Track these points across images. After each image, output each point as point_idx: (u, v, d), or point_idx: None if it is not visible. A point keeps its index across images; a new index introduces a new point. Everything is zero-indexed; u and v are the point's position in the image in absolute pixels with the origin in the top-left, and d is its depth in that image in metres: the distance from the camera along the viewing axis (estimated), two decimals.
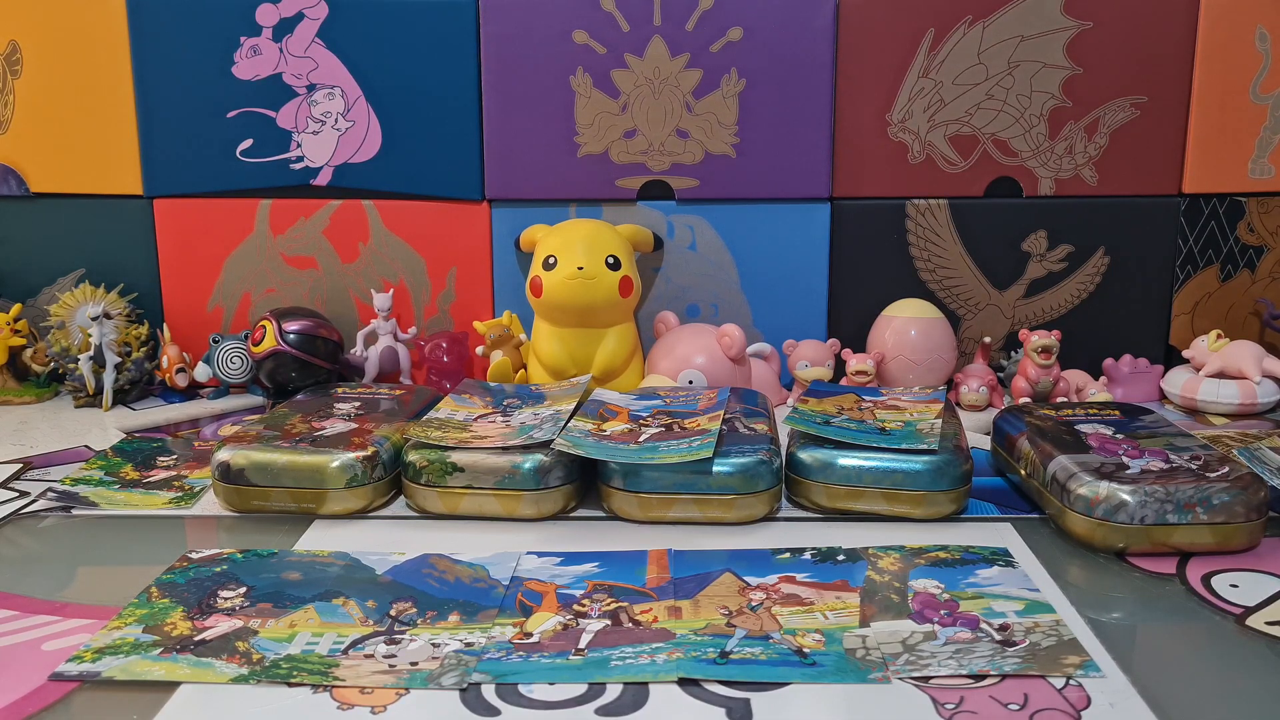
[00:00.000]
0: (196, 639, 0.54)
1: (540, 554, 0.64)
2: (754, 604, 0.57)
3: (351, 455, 0.70)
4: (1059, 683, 0.50)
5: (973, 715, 0.47)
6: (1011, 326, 1.00)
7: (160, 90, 0.96)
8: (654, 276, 0.99)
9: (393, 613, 0.57)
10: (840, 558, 0.63)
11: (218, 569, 0.62)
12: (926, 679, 0.50)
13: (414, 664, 0.52)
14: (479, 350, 0.93)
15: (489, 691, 0.49)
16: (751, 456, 0.68)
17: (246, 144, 0.97)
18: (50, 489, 0.75)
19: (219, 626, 0.55)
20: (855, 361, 0.91)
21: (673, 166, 0.96)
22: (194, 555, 0.64)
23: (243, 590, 0.59)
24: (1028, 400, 0.91)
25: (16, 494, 0.74)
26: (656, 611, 0.56)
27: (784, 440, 0.75)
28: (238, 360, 0.95)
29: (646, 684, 0.50)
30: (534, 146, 0.96)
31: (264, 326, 0.90)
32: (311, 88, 0.96)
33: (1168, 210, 0.97)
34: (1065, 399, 0.91)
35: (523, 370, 0.94)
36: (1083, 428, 0.74)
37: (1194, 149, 0.96)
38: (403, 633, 0.54)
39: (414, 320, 1.00)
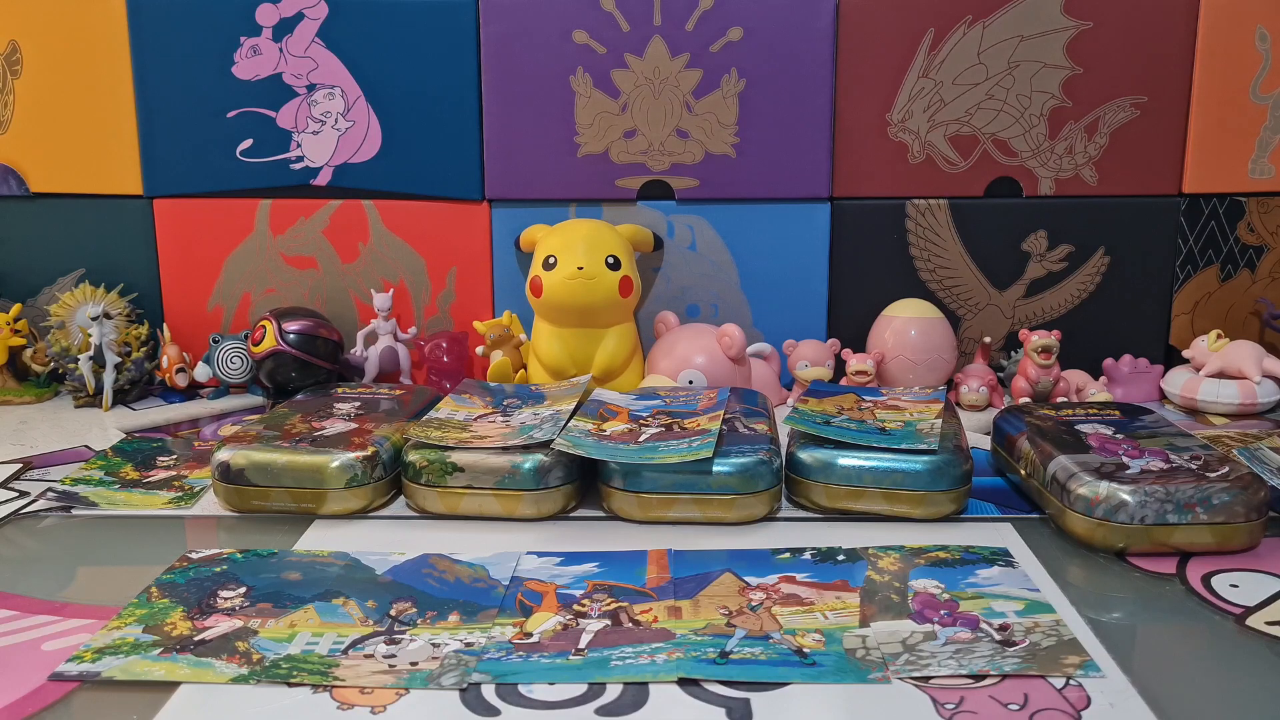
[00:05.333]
0: (196, 639, 0.54)
1: (540, 554, 0.64)
2: (754, 604, 0.57)
3: (351, 455, 0.70)
4: (1059, 683, 0.50)
5: (973, 715, 0.47)
6: (1011, 326, 1.00)
7: (160, 90, 0.96)
8: (654, 276, 0.99)
9: (393, 613, 0.57)
10: (840, 558, 0.63)
11: (218, 569, 0.62)
12: (926, 679, 0.50)
13: (414, 664, 0.52)
14: (479, 350, 0.93)
15: (489, 691, 0.49)
16: (751, 456, 0.68)
17: (246, 144, 0.97)
18: (50, 489, 0.75)
19: (219, 626, 0.55)
20: (855, 361, 0.91)
21: (673, 166, 0.96)
22: (194, 555, 0.64)
23: (243, 590, 0.59)
24: (1028, 400, 0.91)
25: (16, 494, 0.74)
26: (656, 611, 0.56)
27: (784, 440, 0.75)
28: (238, 360, 0.95)
29: (646, 684, 0.50)
30: (534, 146, 0.96)
31: (264, 326, 0.90)
32: (311, 88, 0.96)
33: (1168, 210, 0.97)
34: (1065, 399, 0.91)
35: (523, 370, 0.94)
36: (1083, 428, 0.74)
37: (1194, 149, 0.96)
38: (403, 633, 0.54)
39: (414, 320, 1.00)
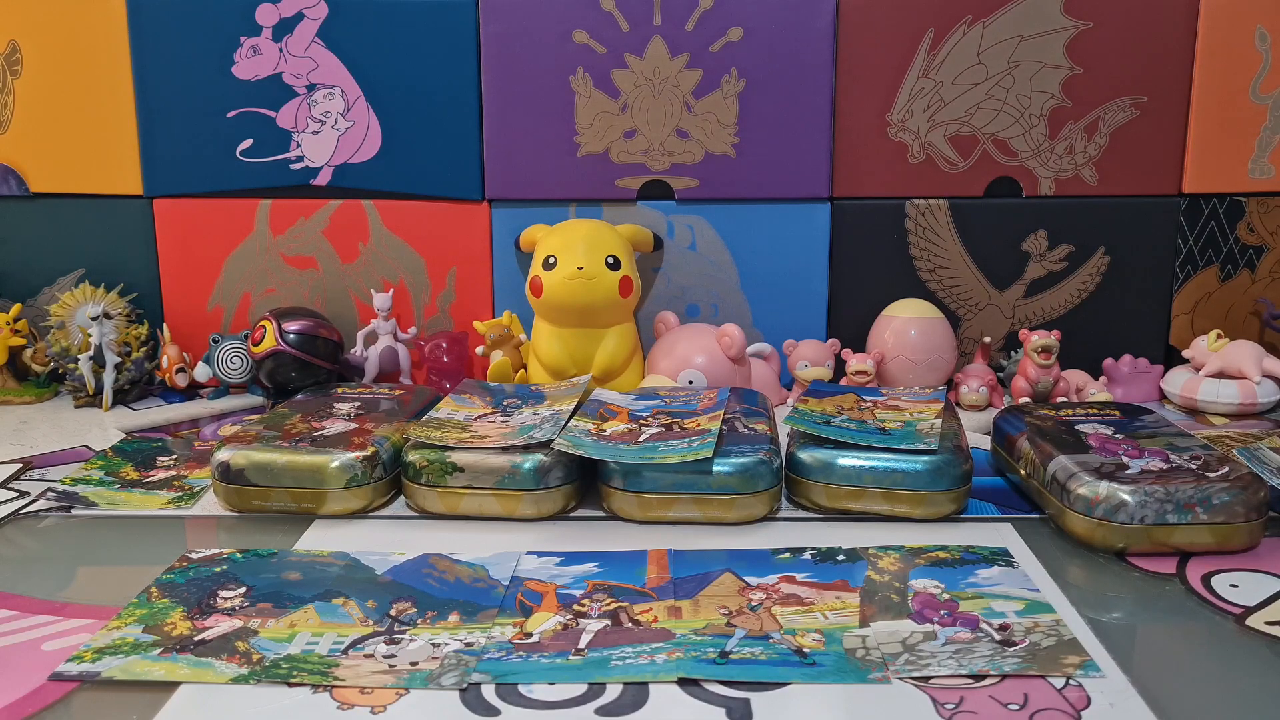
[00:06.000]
0: (196, 639, 0.54)
1: (540, 554, 0.64)
2: (754, 604, 0.57)
3: (351, 455, 0.70)
4: (1059, 683, 0.50)
5: (973, 715, 0.47)
6: (1011, 326, 1.00)
7: (160, 90, 0.96)
8: (654, 276, 0.99)
9: (393, 613, 0.57)
10: (840, 558, 0.63)
11: (218, 569, 0.62)
12: (926, 679, 0.50)
13: (414, 664, 0.52)
14: (479, 350, 0.93)
15: (489, 691, 0.49)
16: (751, 456, 0.68)
17: (246, 144, 0.97)
18: (50, 489, 0.75)
19: (219, 626, 0.55)
20: (855, 361, 0.91)
21: (673, 166, 0.96)
22: (194, 555, 0.64)
23: (243, 590, 0.59)
24: (1028, 400, 0.91)
25: (16, 494, 0.74)
26: (656, 611, 0.56)
27: (784, 440, 0.75)
28: (238, 360, 0.95)
29: (646, 684, 0.50)
30: (534, 146, 0.96)
31: (264, 326, 0.90)
32: (311, 88, 0.96)
33: (1168, 210, 0.97)
34: (1065, 399, 0.91)
35: (523, 370, 0.94)
36: (1083, 428, 0.74)
37: (1194, 149, 0.96)
38: (403, 633, 0.54)
39: (414, 320, 1.00)
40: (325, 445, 0.71)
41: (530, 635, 0.54)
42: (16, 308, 0.98)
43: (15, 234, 1.00)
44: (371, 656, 0.52)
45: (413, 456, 0.70)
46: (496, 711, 0.48)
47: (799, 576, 0.61)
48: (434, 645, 0.53)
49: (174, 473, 0.79)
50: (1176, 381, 0.94)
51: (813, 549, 0.64)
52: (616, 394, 0.82)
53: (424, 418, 0.75)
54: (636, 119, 0.96)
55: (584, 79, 0.95)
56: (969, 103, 0.95)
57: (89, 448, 0.84)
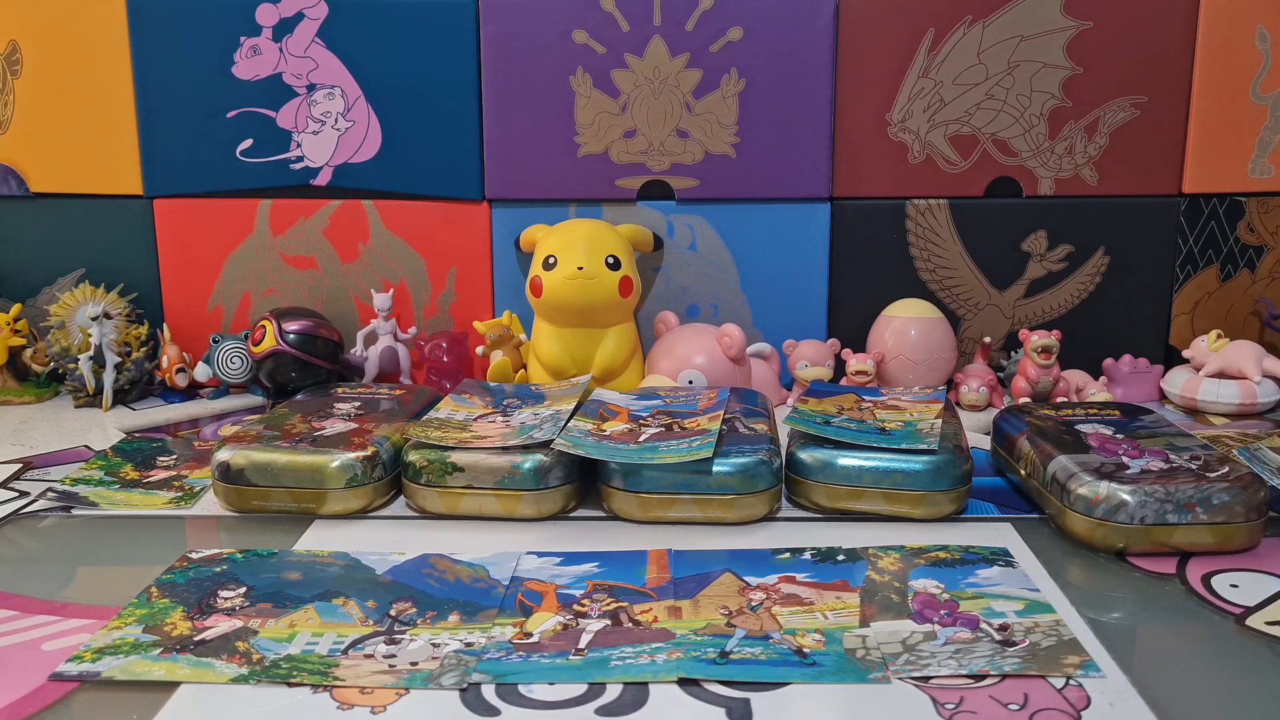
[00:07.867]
0: (196, 639, 0.54)
1: (540, 554, 0.64)
2: (754, 604, 0.57)
3: (351, 455, 0.70)
4: (1059, 683, 0.50)
5: (973, 715, 0.47)
6: (1011, 326, 1.00)
7: (160, 90, 0.96)
8: (654, 276, 0.99)
9: (393, 613, 0.57)
10: (840, 558, 0.63)
11: (218, 569, 0.62)
12: (926, 679, 0.50)
13: (414, 664, 0.52)
14: (479, 350, 0.93)
15: (489, 691, 0.49)
16: (751, 456, 0.68)
17: (246, 144, 0.97)
18: (50, 489, 0.75)
19: (219, 626, 0.55)
20: (855, 361, 0.91)
21: (673, 166, 0.96)
22: (194, 555, 0.64)
23: (243, 590, 0.59)
24: (1028, 400, 0.91)
25: (16, 494, 0.74)
26: (656, 611, 0.56)
27: (784, 440, 0.75)
28: (238, 360, 0.95)
29: (646, 684, 0.50)
30: (534, 146, 0.96)
31: (264, 326, 0.90)
32: (311, 88, 0.96)
33: (1168, 210, 0.97)
34: (1065, 399, 0.91)
35: (523, 370, 0.94)
36: (1083, 428, 0.74)
37: (1194, 149, 0.96)
38: (403, 633, 0.54)
39: (414, 320, 1.00)
40: (325, 445, 0.71)
41: (530, 635, 0.54)
42: (16, 308, 0.98)
43: (15, 234, 1.00)
44: (371, 656, 0.52)
45: (413, 456, 0.70)
46: (496, 711, 0.48)
47: (799, 576, 0.61)
48: (434, 645, 0.53)
49: (174, 473, 0.79)
50: (1176, 381, 0.94)
51: (813, 549, 0.64)
52: (616, 394, 0.82)
53: (424, 418, 0.75)
54: (636, 119, 0.96)
55: (584, 79, 0.95)
56: (969, 103, 0.95)
57: (89, 448, 0.84)
